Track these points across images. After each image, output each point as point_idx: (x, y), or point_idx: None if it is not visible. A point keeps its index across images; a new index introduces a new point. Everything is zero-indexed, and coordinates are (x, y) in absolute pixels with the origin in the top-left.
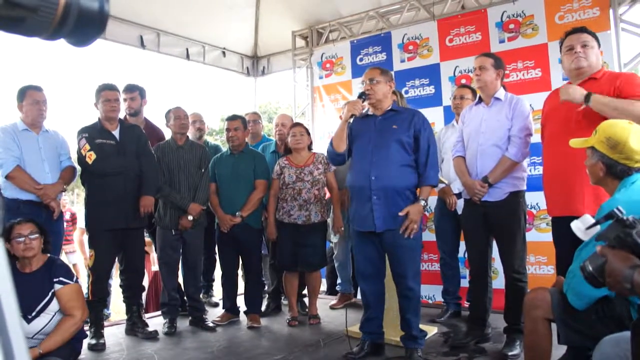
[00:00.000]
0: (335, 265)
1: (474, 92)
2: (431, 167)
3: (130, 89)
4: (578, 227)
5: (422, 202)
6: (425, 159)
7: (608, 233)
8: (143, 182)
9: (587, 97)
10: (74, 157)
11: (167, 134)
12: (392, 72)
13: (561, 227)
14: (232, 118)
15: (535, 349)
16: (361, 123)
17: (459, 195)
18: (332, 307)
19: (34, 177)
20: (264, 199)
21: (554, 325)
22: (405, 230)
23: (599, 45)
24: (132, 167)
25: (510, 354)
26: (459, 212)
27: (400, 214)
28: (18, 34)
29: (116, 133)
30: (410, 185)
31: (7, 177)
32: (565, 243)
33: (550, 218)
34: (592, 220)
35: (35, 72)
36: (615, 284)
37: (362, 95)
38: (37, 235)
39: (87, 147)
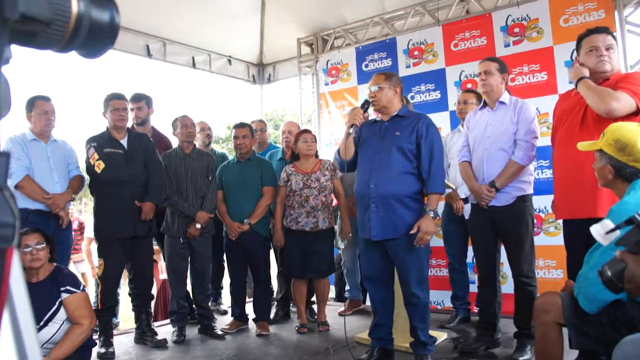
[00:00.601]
0: (344, 271)
1: (478, 96)
2: (435, 174)
3: (137, 98)
4: (597, 231)
5: (431, 214)
6: (427, 166)
7: (628, 238)
8: (148, 189)
9: (578, 81)
10: (82, 166)
11: (174, 142)
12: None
13: (572, 229)
14: (240, 126)
15: (546, 354)
16: (369, 129)
17: (465, 200)
18: (340, 314)
19: (43, 187)
20: (271, 207)
21: (565, 330)
22: (416, 239)
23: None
24: (141, 176)
25: (520, 359)
26: (466, 216)
27: (412, 232)
28: (32, 47)
29: (124, 142)
30: (411, 192)
31: (16, 186)
32: (577, 246)
33: (559, 221)
34: (612, 225)
35: (43, 82)
36: (636, 290)
37: (365, 104)
38: (43, 245)
39: (96, 156)
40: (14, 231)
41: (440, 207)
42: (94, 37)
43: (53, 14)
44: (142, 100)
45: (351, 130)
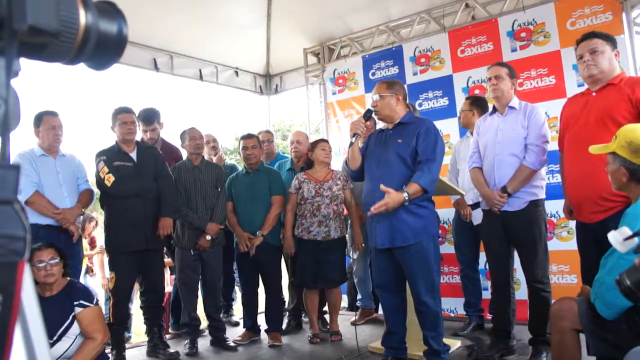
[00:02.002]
0: (355, 281)
1: (477, 104)
2: (426, 170)
3: (149, 120)
4: (615, 238)
5: (405, 195)
6: (422, 160)
7: None
8: (162, 203)
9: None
10: (92, 180)
11: (184, 153)
12: (405, 85)
13: (586, 234)
14: (248, 137)
15: None
16: (376, 138)
17: (473, 206)
18: (353, 323)
19: (52, 202)
20: (281, 216)
21: (582, 336)
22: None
23: (615, 45)
24: (151, 189)
25: None
26: (474, 223)
27: (380, 202)
28: (40, 60)
29: (134, 155)
30: (415, 199)
31: (26, 202)
32: (591, 250)
33: (571, 226)
34: (630, 232)
35: (51, 96)
36: None
37: (368, 113)
38: (57, 260)
39: (106, 169)
40: (25, 245)
41: (451, 214)
42: (102, 48)
43: (61, 26)
44: (153, 121)
45: (353, 140)
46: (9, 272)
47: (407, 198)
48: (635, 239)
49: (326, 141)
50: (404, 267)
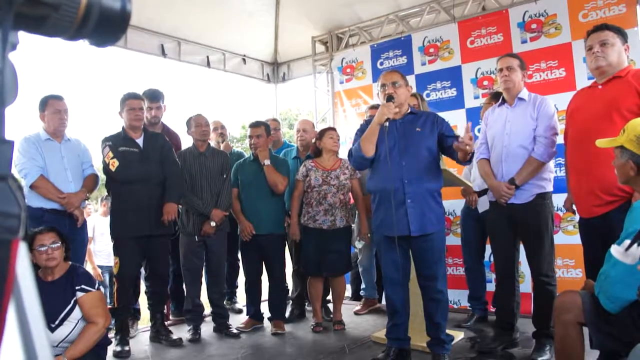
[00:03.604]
0: (360, 270)
1: (497, 99)
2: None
3: (155, 97)
4: (618, 251)
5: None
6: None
7: None
8: (166, 189)
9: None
10: (98, 165)
11: (185, 139)
12: (414, 75)
13: (589, 228)
14: (256, 125)
15: (567, 354)
16: (381, 128)
17: (480, 193)
18: (356, 313)
19: (57, 186)
20: (287, 205)
21: (585, 330)
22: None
23: (625, 39)
24: (156, 175)
25: (540, 359)
26: (480, 210)
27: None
28: (40, 34)
29: (140, 141)
30: (438, 187)
31: (31, 186)
32: (594, 244)
33: (577, 220)
34: (628, 242)
35: (58, 81)
36: None
37: (390, 99)
38: (58, 244)
39: (111, 154)
40: (19, 222)
41: (456, 205)
42: (105, 24)
43: None
44: (159, 100)
45: (386, 124)
46: (1, 250)
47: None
48: (635, 245)
49: (334, 129)
50: (422, 256)
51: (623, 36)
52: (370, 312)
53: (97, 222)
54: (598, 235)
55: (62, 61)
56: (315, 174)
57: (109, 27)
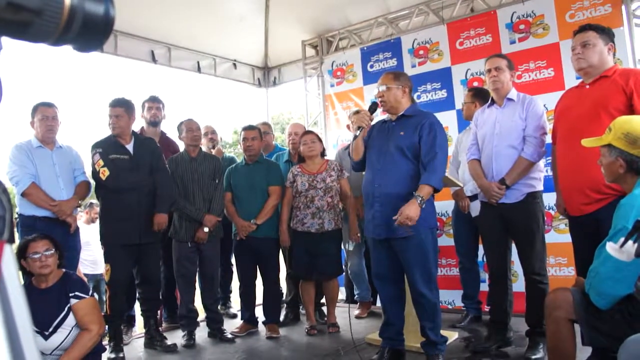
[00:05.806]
0: (351, 277)
1: (480, 96)
2: (434, 168)
3: (156, 99)
4: (613, 248)
5: (418, 200)
6: (426, 160)
7: None
8: (157, 199)
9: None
10: (89, 171)
11: (182, 147)
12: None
13: (578, 227)
14: (249, 128)
15: (559, 351)
16: (379, 129)
17: (471, 198)
18: (357, 317)
19: (49, 194)
20: (279, 209)
21: (577, 327)
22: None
23: (610, 39)
24: (146, 183)
25: (533, 357)
26: (473, 214)
27: (395, 217)
28: (24, 39)
29: (130, 147)
30: (413, 191)
31: (22, 194)
32: (584, 243)
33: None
34: (622, 239)
35: (50, 89)
36: None
37: (373, 107)
38: (52, 251)
39: (101, 162)
40: (4, 224)
41: (449, 206)
42: (88, 30)
43: (44, 3)
44: (160, 102)
45: (358, 133)
46: None
47: (420, 202)
48: (630, 242)
49: (309, 133)
50: (402, 258)
51: (608, 35)
52: (369, 314)
53: (81, 230)
54: (588, 233)
55: (54, 68)
56: (301, 179)
57: (92, 33)
